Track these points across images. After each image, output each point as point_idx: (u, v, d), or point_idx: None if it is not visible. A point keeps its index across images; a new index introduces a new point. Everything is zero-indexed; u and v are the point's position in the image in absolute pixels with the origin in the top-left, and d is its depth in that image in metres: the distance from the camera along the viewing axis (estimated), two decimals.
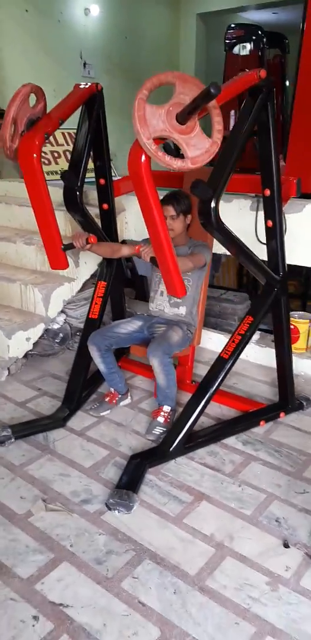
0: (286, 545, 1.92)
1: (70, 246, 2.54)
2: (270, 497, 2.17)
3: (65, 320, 3.69)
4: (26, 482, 2.22)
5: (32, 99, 2.51)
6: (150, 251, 2.38)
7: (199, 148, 1.95)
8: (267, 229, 2.60)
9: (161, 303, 2.82)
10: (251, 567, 1.82)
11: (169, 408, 2.62)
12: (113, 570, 1.78)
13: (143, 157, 1.97)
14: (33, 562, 1.81)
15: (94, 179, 3.10)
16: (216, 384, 2.48)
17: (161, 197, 2.73)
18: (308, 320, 3.42)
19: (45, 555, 1.84)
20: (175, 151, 2.05)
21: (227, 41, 7.64)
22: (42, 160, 5.38)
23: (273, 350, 2.87)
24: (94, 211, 3.12)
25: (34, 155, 2.35)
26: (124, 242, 3.70)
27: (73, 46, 6.46)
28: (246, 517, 2.06)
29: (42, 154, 5.12)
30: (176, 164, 1.92)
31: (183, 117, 1.90)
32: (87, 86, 2.74)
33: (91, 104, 2.76)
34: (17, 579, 1.74)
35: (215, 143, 1.98)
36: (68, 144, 5.41)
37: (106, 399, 2.86)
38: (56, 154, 5.18)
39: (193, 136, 1.94)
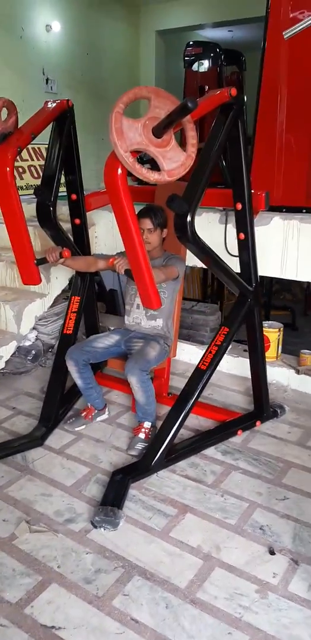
0: (271, 552, 1.95)
1: (43, 260, 2.52)
2: (252, 506, 2.21)
3: (37, 337, 3.64)
4: (8, 505, 2.17)
5: (4, 112, 2.49)
6: (125, 263, 2.39)
7: (175, 161, 1.99)
8: (239, 241, 2.67)
9: (137, 316, 2.83)
10: (240, 576, 1.84)
11: (150, 424, 2.63)
12: (103, 589, 1.76)
13: (120, 170, 1.98)
14: (21, 586, 1.76)
15: (65, 194, 3.09)
16: (195, 396, 2.51)
17: (137, 211, 2.77)
18: (277, 329, 3.51)
19: (33, 578, 1.80)
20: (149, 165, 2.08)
21: (186, 58, 7.80)
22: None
23: (246, 360, 2.93)
24: (65, 226, 3.11)
25: (7, 169, 2.33)
26: (92, 256, 3.69)
27: (35, 62, 6.43)
28: (230, 526, 2.08)
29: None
30: (152, 176, 1.94)
31: (159, 131, 1.93)
32: (55, 103, 2.74)
33: (62, 119, 2.76)
34: (5, 604, 1.70)
35: (190, 156, 2.02)
36: (32, 159, 5.38)
37: (82, 414, 2.84)
38: (20, 169, 5.14)
39: (168, 149, 1.98)
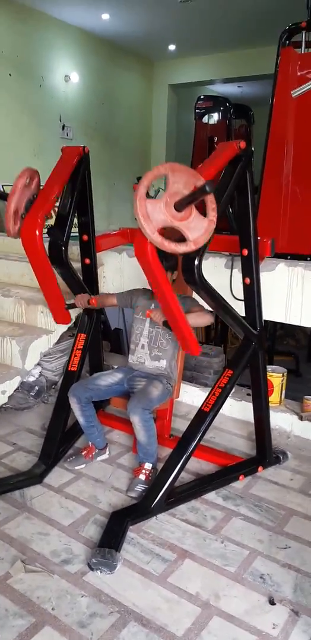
0: (272, 602, 1.90)
1: (72, 306, 2.94)
2: (253, 553, 2.16)
3: (41, 373, 3.65)
4: (4, 542, 2.13)
5: None
6: (162, 315, 2.57)
7: (198, 229, 2.14)
8: (245, 286, 2.71)
9: (141, 356, 2.84)
10: (239, 626, 1.78)
11: (151, 465, 2.61)
12: (98, 634, 1.72)
13: (149, 247, 2.16)
14: (13, 628, 1.72)
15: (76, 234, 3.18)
16: (198, 438, 2.49)
17: None
18: (280, 374, 3.51)
19: (26, 619, 1.76)
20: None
21: (197, 111, 8.11)
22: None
23: (249, 404, 2.92)
24: (75, 265, 3.18)
25: (37, 232, 2.60)
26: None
27: (53, 109, 6.71)
28: (230, 574, 2.03)
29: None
30: (181, 249, 2.12)
31: (181, 207, 2.08)
32: (73, 153, 2.87)
33: (78, 164, 2.86)
34: None
35: (211, 221, 2.17)
36: None
37: (83, 453, 2.81)
38: None
39: (191, 220, 2.12)
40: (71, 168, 2.82)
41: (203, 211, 2.19)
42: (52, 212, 2.74)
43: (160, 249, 2.12)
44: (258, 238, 2.70)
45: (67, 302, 2.93)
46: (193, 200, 2.05)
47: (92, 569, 1.99)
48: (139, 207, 2.02)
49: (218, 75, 9.05)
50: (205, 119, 8.11)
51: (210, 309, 2.75)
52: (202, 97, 8.22)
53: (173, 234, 2.24)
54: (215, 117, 8.10)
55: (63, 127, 6.82)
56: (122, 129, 7.92)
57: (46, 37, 6.39)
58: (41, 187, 2.79)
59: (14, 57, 6.01)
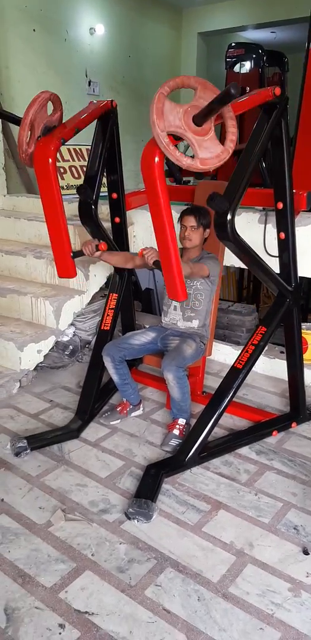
0: (306, 552, 1.93)
1: (79, 253, 2.58)
2: (286, 506, 2.19)
3: (74, 332, 3.72)
4: (44, 493, 2.23)
5: (50, 106, 2.54)
6: (154, 255, 2.42)
7: (210, 151, 1.99)
8: (279, 241, 2.65)
9: (174, 317, 2.85)
10: (273, 573, 1.83)
11: (184, 421, 2.65)
12: (136, 579, 1.79)
13: (157, 158, 2.00)
14: (56, 572, 1.81)
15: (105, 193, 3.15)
16: (231, 394, 2.50)
17: (181, 210, 2.80)
18: None
19: (67, 564, 1.85)
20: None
21: (228, 59, 7.80)
22: None
23: (282, 362, 2.90)
24: (105, 224, 3.17)
25: (49, 160, 2.34)
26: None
27: (79, 64, 6.57)
28: (264, 525, 2.07)
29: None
30: (185, 160, 1.94)
31: (199, 119, 1.94)
32: (101, 102, 2.80)
33: (106, 120, 2.82)
34: (41, 588, 1.75)
35: (226, 150, 2.02)
36: (73, 160, 5.48)
37: (118, 409, 2.88)
38: (62, 170, 5.25)
39: (206, 139, 1.98)
40: (96, 114, 2.71)
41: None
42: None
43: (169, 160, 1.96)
44: (293, 191, 2.62)
45: (73, 251, 2.56)
46: (213, 109, 1.89)
47: (129, 518, 2.06)
48: (156, 100, 1.86)
49: (249, 21, 8.60)
50: (236, 68, 7.80)
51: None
52: (233, 44, 7.89)
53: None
54: (247, 65, 7.77)
55: (89, 82, 6.68)
56: (150, 82, 7.68)
57: None
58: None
59: (38, 11, 5.88)
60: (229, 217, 2.23)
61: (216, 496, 2.24)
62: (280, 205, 2.55)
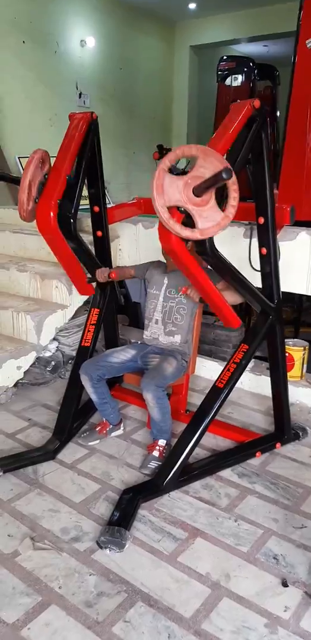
0: (284, 584, 1.84)
1: (93, 279, 2.92)
2: (267, 533, 2.10)
3: (57, 347, 3.63)
4: (14, 519, 2.13)
5: None
6: (197, 293, 2.48)
7: (210, 220, 2.02)
8: (261, 256, 2.58)
9: (155, 331, 2.77)
10: (249, 608, 1.74)
11: (165, 442, 2.56)
12: (104, 614, 1.70)
13: (174, 237, 2.07)
14: (20, 606, 1.72)
15: (88, 207, 3.09)
16: (211, 415, 2.42)
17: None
18: (302, 348, 3.39)
19: (32, 597, 1.75)
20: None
21: (219, 72, 7.79)
22: None
23: (268, 379, 2.82)
24: (87, 238, 3.11)
25: (51, 214, 2.57)
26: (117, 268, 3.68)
27: (69, 77, 6.55)
28: (242, 554, 1.98)
29: None
30: (185, 233, 1.99)
31: (199, 192, 1.97)
32: (81, 120, 2.77)
33: (86, 132, 2.76)
34: (2, 624, 1.65)
35: (227, 217, 2.04)
36: None
37: (97, 429, 2.79)
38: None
39: (206, 209, 2.00)
40: (79, 139, 2.72)
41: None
42: None
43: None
44: (277, 205, 2.56)
45: (87, 276, 2.93)
46: (210, 186, 1.94)
47: (101, 547, 1.97)
48: (157, 177, 1.93)
49: (242, 34, 8.64)
50: (228, 81, 7.79)
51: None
52: (224, 57, 7.89)
53: None
54: (239, 79, 7.77)
55: (80, 94, 6.65)
56: (142, 95, 7.68)
57: (60, 0, 6.21)
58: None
59: (27, 23, 5.85)
60: None
61: (194, 522, 2.15)
62: (261, 220, 2.49)
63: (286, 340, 3.36)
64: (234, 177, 2.03)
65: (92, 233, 3.15)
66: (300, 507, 2.27)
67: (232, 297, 2.53)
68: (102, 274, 2.83)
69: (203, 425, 2.41)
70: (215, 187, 1.98)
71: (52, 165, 2.69)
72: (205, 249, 2.20)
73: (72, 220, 2.70)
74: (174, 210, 1.99)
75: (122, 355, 2.74)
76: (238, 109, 2.28)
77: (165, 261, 2.85)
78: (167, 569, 1.90)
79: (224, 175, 1.83)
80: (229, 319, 2.41)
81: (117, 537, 1.97)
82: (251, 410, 3.19)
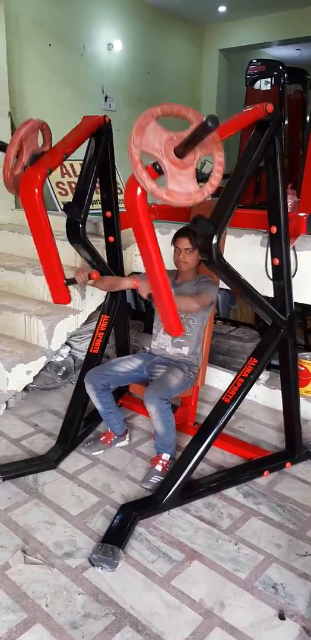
0: (281, 617, 1.74)
1: (72, 281, 2.49)
2: (268, 559, 2.00)
3: (69, 352, 3.61)
4: (8, 529, 2.10)
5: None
6: (148, 287, 2.28)
7: (181, 187, 1.80)
8: (274, 267, 2.48)
9: (163, 342, 2.70)
10: None
11: (168, 456, 2.48)
12: (89, 637, 1.63)
13: (139, 190, 1.85)
14: (4, 623, 1.67)
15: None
16: (215, 431, 2.33)
17: (177, 230, 2.68)
18: None
19: (17, 614, 1.70)
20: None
21: (248, 76, 7.66)
22: (59, 190, 5.36)
23: None
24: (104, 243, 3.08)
25: (36, 190, 2.24)
26: (132, 274, 3.62)
27: (95, 80, 6.54)
28: (240, 581, 1.89)
29: (60, 185, 5.15)
30: (149, 185, 1.76)
31: (180, 150, 1.78)
32: (91, 119, 2.70)
33: (99, 135, 2.71)
34: None
35: (200, 192, 1.82)
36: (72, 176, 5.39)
37: (101, 439, 2.74)
38: (74, 185, 5.19)
39: (182, 173, 1.80)
40: (87, 133, 2.63)
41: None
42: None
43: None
44: (292, 213, 2.46)
45: (66, 278, 2.45)
46: (192, 140, 1.70)
47: (93, 565, 1.91)
48: (142, 117, 1.72)
49: (273, 37, 8.46)
50: (257, 84, 7.65)
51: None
52: (254, 61, 7.75)
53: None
54: (268, 82, 7.62)
55: (106, 98, 6.63)
56: (169, 99, 7.53)
57: (87, 3, 6.19)
58: None
59: (54, 26, 5.87)
60: (214, 241, 2.07)
61: (192, 544, 2.06)
62: (274, 230, 2.38)
63: (303, 354, 3.25)
64: (222, 154, 1.84)
65: (105, 239, 3.10)
66: (305, 532, 2.15)
67: (185, 306, 2.42)
68: (82, 275, 2.53)
69: (207, 441, 2.32)
70: (197, 143, 1.73)
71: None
72: (211, 258, 2.11)
73: (80, 225, 2.66)
74: (150, 166, 1.78)
75: (128, 365, 2.67)
76: (251, 110, 2.20)
77: (176, 267, 2.76)
78: (159, 592, 1.82)
79: (209, 124, 1.55)
80: (173, 325, 2.04)
81: (110, 556, 1.91)
82: (264, 426, 3.08)
